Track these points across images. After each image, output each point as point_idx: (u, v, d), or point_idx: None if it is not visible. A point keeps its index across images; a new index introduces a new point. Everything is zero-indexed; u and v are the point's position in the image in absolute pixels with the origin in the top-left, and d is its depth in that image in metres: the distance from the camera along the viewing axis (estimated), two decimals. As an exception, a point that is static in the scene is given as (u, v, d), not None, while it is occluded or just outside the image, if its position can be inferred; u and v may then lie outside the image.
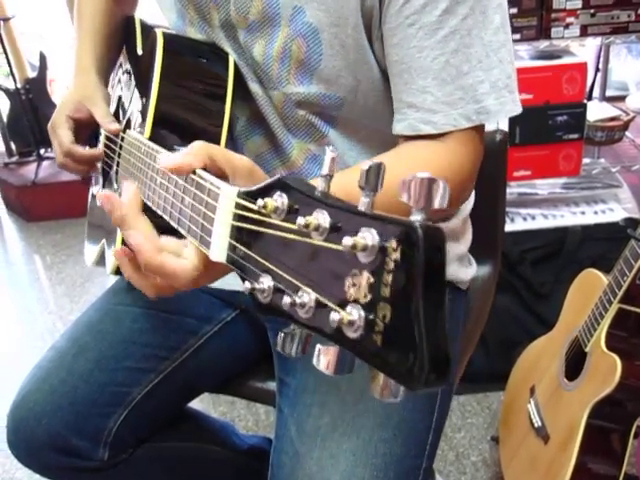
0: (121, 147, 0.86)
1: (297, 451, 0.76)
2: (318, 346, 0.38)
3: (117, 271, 0.84)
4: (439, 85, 0.70)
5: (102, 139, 0.95)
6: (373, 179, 0.37)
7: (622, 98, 2.27)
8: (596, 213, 1.72)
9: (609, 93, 2.27)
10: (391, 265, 0.33)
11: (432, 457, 0.80)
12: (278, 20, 0.75)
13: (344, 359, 0.38)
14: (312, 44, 0.74)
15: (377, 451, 0.74)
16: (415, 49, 0.69)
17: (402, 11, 0.68)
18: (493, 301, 1.12)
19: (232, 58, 0.82)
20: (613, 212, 1.72)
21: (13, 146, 3.30)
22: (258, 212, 0.44)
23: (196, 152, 0.54)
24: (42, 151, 3.09)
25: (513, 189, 1.78)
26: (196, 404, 1.05)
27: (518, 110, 0.73)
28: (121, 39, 0.98)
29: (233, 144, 0.88)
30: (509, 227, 1.67)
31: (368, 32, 0.73)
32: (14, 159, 3.27)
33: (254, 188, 0.46)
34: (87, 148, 0.91)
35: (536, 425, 1.22)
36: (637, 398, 1.05)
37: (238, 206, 0.47)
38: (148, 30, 0.90)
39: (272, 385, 0.97)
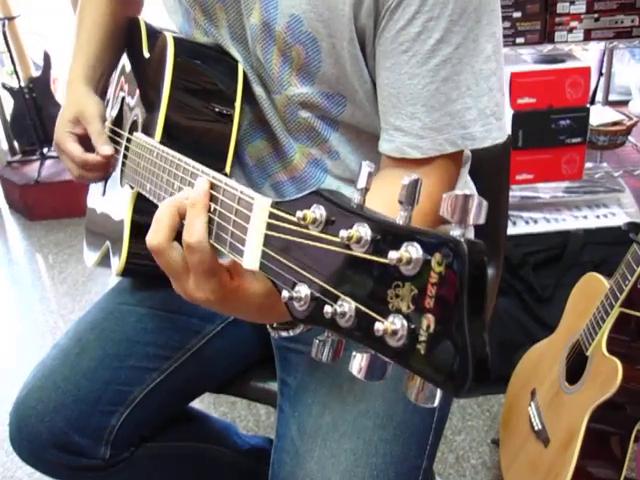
0: (127, 148, 0.87)
1: (298, 450, 0.76)
2: (354, 353, 0.40)
3: (123, 273, 0.85)
4: (427, 112, 0.70)
5: None
6: (412, 194, 0.38)
7: (625, 103, 2.27)
8: (598, 217, 1.72)
9: (612, 97, 2.27)
10: (435, 278, 0.35)
11: (432, 458, 0.81)
12: (274, 26, 0.75)
13: (376, 365, 0.40)
14: (311, 51, 0.75)
15: (378, 451, 0.74)
16: (406, 75, 0.70)
17: (397, 37, 0.69)
18: (495, 304, 1.13)
19: (241, 65, 0.83)
20: (615, 216, 1.72)
21: (16, 145, 3.31)
22: (294, 222, 0.45)
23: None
24: (45, 150, 3.09)
25: (515, 192, 1.78)
26: (197, 404, 1.05)
27: (504, 137, 0.74)
28: (123, 42, 0.99)
29: (235, 148, 0.89)
30: (511, 230, 1.67)
31: (362, 47, 0.74)
32: (17, 158, 3.28)
33: (288, 200, 0.47)
34: (94, 154, 0.92)
35: (536, 428, 1.22)
36: (638, 402, 1.05)
37: (272, 216, 0.48)
38: (155, 33, 0.90)
39: (273, 385, 0.98)
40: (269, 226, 0.48)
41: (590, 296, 1.17)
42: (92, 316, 0.95)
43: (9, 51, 2.94)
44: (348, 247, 0.40)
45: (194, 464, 1.04)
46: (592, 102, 2.01)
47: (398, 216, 0.39)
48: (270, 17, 0.75)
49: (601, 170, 1.83)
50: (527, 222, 1.72)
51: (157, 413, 0.95)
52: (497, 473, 1.50)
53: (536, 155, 1.67)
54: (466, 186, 0.95)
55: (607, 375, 1.05)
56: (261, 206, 0.49)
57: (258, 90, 0.83)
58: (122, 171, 0.90)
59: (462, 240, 0.34)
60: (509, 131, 1.63)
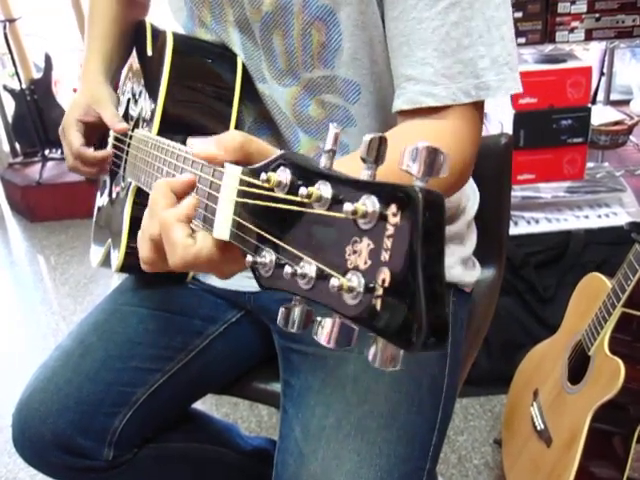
0: (129, 145, 0.87)
1: (301, 451, 0.76)
2: (318, 318, 0.39)
3: (122, 268, 0.85)
4: (439, 57, 0.69)
5: (111, 140, 0.96)
6: (374, 151, 0.37)
7: (626, 102, 2.26)
8: (600, 217, 1.72)
9: (613, 97, 2.27)
10: (391, 230, 0.34)
11: (436, 459, 0.81)
12: (291, 8, 0.75)
13: (343, 331, 0.38)
14: (331, 25, 0.74)
15: (381, 452, 0.74)
16: (415, 20, 0.69)
17: None
18: (497, 304, 1.13)
19: (240, 59, 0.83)
20: (617, 216, 1.72)
21: (18, 146, 3.31)
22: (262, 187, 0.44)
23: (233, 148, 0.51)
24: (47, 152, 3.10)
25: (517, 192, 1.78)
26: (199, 405, 1.05)
27: (519, 88, 0.72)
28: (131, 42, 0.99)
29: None
30: (513, 230, 1.67)
31: (381, 9, 0.73)
32: (19, 159, 3.28)
33: (257, 165, 0.46)
34: (93, 149, 0.92)
35: (539, 428, 1.22)
36: (640, 402, 1.05)
37: (242, 183, 0.48)
38: (158, 32, 0.91)
39: (276, 386, 0.98)
40: (240, 194, 0.48)
41: (592, 296, 1.17)
42: (94, 317, 0.95)
43: (10, 53, 2.94)
44: (310, 206, 0.39)
45: (197, 465, 1.04)
46: (593, 102, 2.01)
47: (361, 174, 0.38)
48: (285, 0, 0.74)
49: (603, 170, 1.83)
50: (529, 222, 1.72)
51: (160, 414, 0.95)
52: (499, 473, 1.50)
53: (537, 155, 1.67)
54: (467, 185, 0.94)
55: (609, 375, 1.05)
56: (231, 174, 0.48)
57: (262, 87, 0.83)
58: (125, 168, 0.91)
59: (417, 189, 0.33)
60: (510, 131, 1.63)
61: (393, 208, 0.34)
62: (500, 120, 1.71)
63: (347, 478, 0.72)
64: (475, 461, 1.56)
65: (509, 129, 1.63)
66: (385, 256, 0.34)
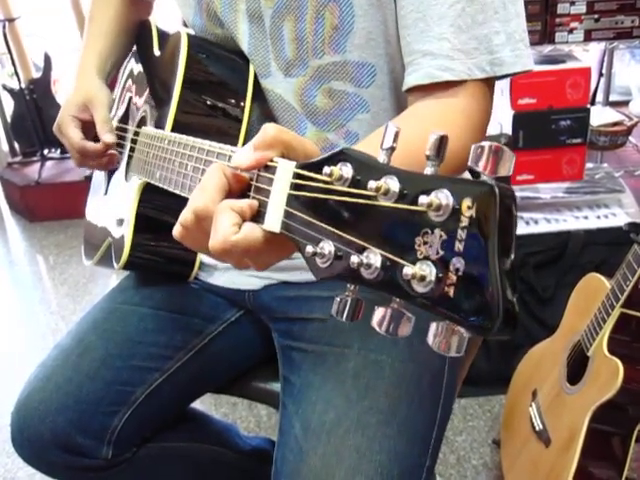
0: (135, 142, 0.87)
1: (301, 447, 0.76)
2: (376, 306, 0.41)
3: (126, 266, 0.85)
4: (455, 32, 0.69)
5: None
6: (437, 148, 0.39)
7: (625, 103, 2.27)
8: (599, 218, 1.72)
9: (612, 98, 2.27)
10: (465, 222, 0.36)
11: (435, 456, 0.81)
12: None
13: (397, 319, 0.41)
14: (344, 6, 0.75)
15: (382, 448, 0.74)
16: None
17: None
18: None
19: (252, 65, 0.83)
20: (616, 217, 1.72)
21: (17, 146, 3.31)
22: (320, 180, 0.45)
23: (273, 144, 0.51)
24: (46, 151, 3.10)
25: (516, 193, 1.77)
26: (197, 405, 1.05)
27: (532, 66, 0.73)
28: (132, 40, 1.00)
29: (244, 141, 0.89)
30: (512, 231, 1.67)
31: None
32: (18, 159, 3.28)
33: (314, 160, 0.47)
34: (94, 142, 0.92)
35: (538, 429, 1.22)
36: (639, 402, 1.05)
37: (296, 176, 0.48)
38: (165, 33, 0.92)
39: (275, 386, 0.98)
40: (293, 186, 0.48)
41: (591, 296, 1.17)
42: (93, 316, 0.95)
43: (10, 52, 2.94)
44: (376, 199, 0.41)
45: (196, 465, 1.04)
46: (592, 102, 2.01)
47: (425, 170, 0.39)
48: None
49: (602, 170, 1.83)
50: (528, 223, 1.72)
51: (159, 413, 0.95)
52: (498, 474, 1.50)
53: (537, 156, 1.67)
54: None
55: (608, 375, 1.05)
56: (285, 167, 0.49)
57: (265, 82, 0.83)
58: (128, 165, 0.91)
59: (494, 183, 0.35)
60: (509, 131, 1.63)
61: (468, 201, 0.36)
62: (499, 121, 1.71)
63: (347, 474, 0.72)
64: (474, 461, 1.56)
65: (508, 130, 1.64)
66: (459, 247, 0.36)
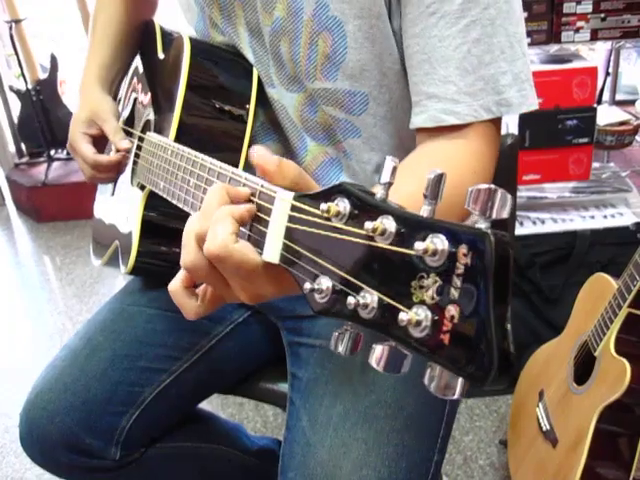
0: (139, 147, 0.87)
1: (309, 440, 0.76)
2: (374, 345, 0.41)
3: (133, 271, 0.85)
4: (461, 75, 0.69)
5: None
6: (436, 188, 0.39)
7: (632, 102, 2.26)
8: (605, 217, 1.72)
9: (619, 97, 2.27)
10: (461, 269, 0.36)
11: (443, 451, 0.80)
12: (301, 15, 0.75)
13: (396, 358, 0.41)
14: (337, 37, 0.74)
15: (389, 441, 0.74)
16: (436, 38, 0.69)
17: (423, 0, 0.68)
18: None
19: (256, 69, 0.83)
20: (623, 216, 1.72)
21: (24, 147, 3.32)
22: (317, 215, 0.45)
23: (289, 175, 0.50)
24: (52, 152, 3.10)
25: (522, 193, 1.78)
26: (204, 405, 1.05)
27: (537, 105, 0.72)
28: (137, 43, 0.99)
29: (248, 149, 0.89)
30: (518, 231, 1.67)
31: (391, 22, 0.73)
32: (25, 160, 3.30)
33: (312, 192, 0.47)
34: (106, 155, 0.94)
35: (544, 429, 1.22)
36: (646, 403, 1.05)
37: (294, 209, 0.48)
38: (169, 34, 0.91)
39: (282, 386, 0.98)
40: (291, 219, 0.48)
41: (598, 296, 1.17)
42: (102, 317, 0.96)
43: (16, 54, 2.94)
44: (372, 239, 0.41)
45: (203, 465, 1.04)
46: (599, 102, 2.00)
47: (422, 209, 0.39)
48: (297, 6, 0.74)
49: (608, 170, 1.83)
50: (534, 222, 1.72)
51: (167, 414, 0.96)
52: (505, 474, 1.49)
53: (543, 155, 1.66)
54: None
55: (615, 376, 1.05)
56: (283, 198, 0.49)
57: (271, 92, 0.83)
58: (133, 170, 0.91)
59: (489, 232, 0.35)
60: (516, 131, 1.63)
61: (464, 249, 0.35)
62: (506, 120, 1.71)
63: (354, 466, 0.72)
64: (481, 462, 1.56)
65: (515, 129, 1.63)
66: (454, 294, 0.36)
